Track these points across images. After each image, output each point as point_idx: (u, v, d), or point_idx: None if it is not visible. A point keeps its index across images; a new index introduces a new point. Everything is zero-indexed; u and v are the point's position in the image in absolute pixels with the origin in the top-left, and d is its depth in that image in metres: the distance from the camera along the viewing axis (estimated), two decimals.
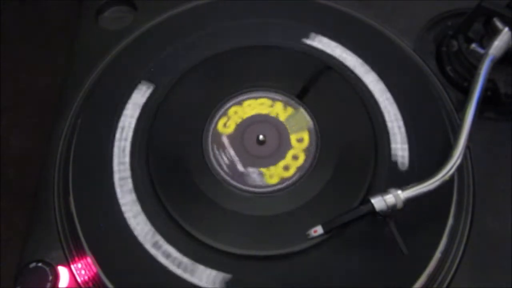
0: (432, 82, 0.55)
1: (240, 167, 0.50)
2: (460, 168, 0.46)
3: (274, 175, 0.50)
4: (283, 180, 0.50)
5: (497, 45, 0.50)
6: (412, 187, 0.44)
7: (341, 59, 0.56)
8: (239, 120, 0.53)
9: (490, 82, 0.51)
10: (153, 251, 0.47)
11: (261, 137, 0.51)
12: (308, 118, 0.51)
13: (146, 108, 0.54)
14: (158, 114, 0.53)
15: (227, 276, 0.45)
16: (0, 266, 0.61)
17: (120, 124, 0.53)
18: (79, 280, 0.47)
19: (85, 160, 0.51)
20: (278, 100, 0.54)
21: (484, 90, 0.49)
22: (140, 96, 0.54)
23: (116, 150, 0.51)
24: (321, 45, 0.57)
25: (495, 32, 0.51)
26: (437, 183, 0.44)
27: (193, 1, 0.61)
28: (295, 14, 0.59)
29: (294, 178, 0.50)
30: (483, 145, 0.52)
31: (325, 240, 0.46)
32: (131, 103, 0.54)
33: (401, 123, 0.52)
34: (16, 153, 0.70)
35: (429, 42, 0.59)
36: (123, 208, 0.48)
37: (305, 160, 0.51)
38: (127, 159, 0.51)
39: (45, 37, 0.77)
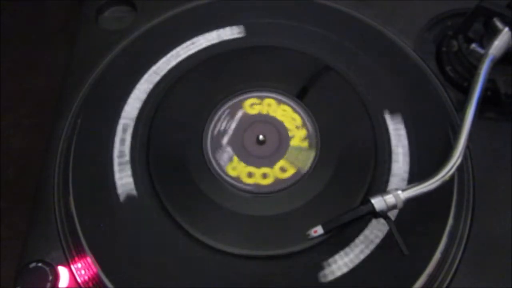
0: (432, 82, 0.55)
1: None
2: (460, 168, 0.46)
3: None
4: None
5: (497, 45, 0.50)
6: (412, 187, 0.44)
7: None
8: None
9: (490, 82, 0.51)
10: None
11: (261, 137, 0.52)
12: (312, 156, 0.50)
13: (146, 108, 0.54)
14: (158, 114, 0.53)
15: None
16: (0, 266, 0.62)
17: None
18: (79, 280, 0.47)
19: (85, 160, 0.51)
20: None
21: (484, 90, 0.49)
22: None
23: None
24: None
25: (495, 32, 0.51)
26: (437, 183, 0.44)
27: (193, 1, 0.61)
28: (295, 14, 0.59)
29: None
30: (483, 145, 0.52)
31: (325, 240, 0.46)
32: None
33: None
34: (16, 153, 0.70)
35: (429, 42, 0.59)
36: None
37: None
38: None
39: (45, 37, 0.77)
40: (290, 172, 0.50)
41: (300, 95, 0.54)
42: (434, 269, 0.46)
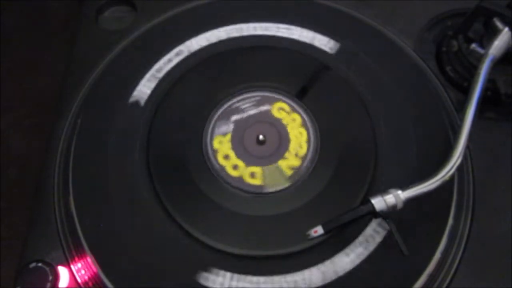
0: (432, 82, 0.55)
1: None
2: (460, 168, 0.46)
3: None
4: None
5: (497, 45, 0.50)
6: (412, 187, 0.44)
7: None
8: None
9: (490, 82, 0.51)
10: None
11: (261, 137, 0.51)
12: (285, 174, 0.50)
13: (146, 108, 0.54)
14: (158, 114, 0.53)
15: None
16: (0, 266, 0.61)
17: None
18: (79, 280, 0.47)
19: (85, 160, 0.51)
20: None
21: (484, 90, 0.49)
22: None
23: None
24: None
25: (495, 32, 0.51)
26: (437, 183, 0.44)
27: (193, 1, 0.61)
28: (295, 14, 0.59)
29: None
30: (483, 145, 0.52)
31: (325, 240, 0.46)
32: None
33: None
34: (16, 153, 0.70)
35: (429, 42, 0.59)
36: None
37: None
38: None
39: (45, 37, 0.77)
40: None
41: (300, 95, 0.54)
42: (434, 269, 0.46)
